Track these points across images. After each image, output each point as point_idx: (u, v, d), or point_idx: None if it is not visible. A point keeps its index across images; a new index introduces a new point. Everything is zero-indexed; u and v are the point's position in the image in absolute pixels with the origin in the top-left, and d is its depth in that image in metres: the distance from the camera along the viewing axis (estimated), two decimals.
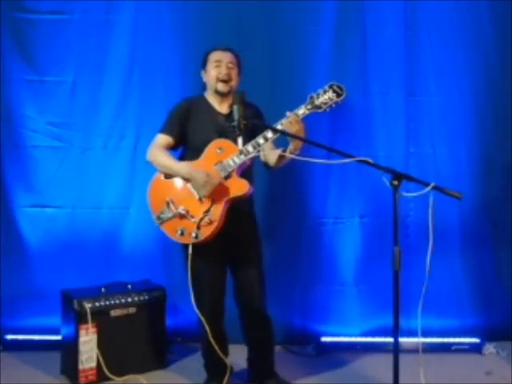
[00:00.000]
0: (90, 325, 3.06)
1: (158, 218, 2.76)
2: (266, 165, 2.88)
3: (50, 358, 3.29)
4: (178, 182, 2.76)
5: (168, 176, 2.79)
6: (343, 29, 3.49)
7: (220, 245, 2.77)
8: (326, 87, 2.65)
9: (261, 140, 2.67)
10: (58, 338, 3.31)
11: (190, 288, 2.74)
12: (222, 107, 2.86)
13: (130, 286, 3.31)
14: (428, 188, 2.18)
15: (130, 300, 3.22)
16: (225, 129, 2.73)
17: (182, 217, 2.71)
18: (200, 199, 2.70)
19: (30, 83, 3.50)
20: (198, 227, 2.68)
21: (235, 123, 2.52)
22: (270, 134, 2.66)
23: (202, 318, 2.79)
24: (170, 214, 2.73)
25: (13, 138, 3.53)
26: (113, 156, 3.57)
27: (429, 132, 3.61)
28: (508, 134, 3.59)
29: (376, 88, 3.55)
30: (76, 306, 3.06)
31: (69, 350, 3.14)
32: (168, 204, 2.74)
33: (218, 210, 2.68)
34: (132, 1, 3.49)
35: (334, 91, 2.64)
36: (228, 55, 2.85)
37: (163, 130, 2.82)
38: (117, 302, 3.18)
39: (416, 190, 2.32)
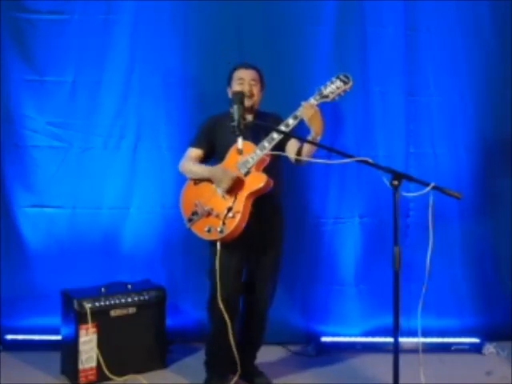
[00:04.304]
0: (89, 325, 3.06)
1: (189, 220, 2.91)
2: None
3: (50, 358, 3.29)
4: (205, 185, 2.91)
5: (197, 182, 2.95)
6: (343, 29, 3.49)
7: (244, 242, 2.85)
8: (333, 78, 2.76)
9: (275, 134, 2.75)
10: (58, 338, 3.31)
11: (211, 284, 2.84)
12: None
13: (130, 286, 3.31)
14: (428, 188, 2.18)
15: (129, 300, 3.22)
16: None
17: (208, 215, 2.85)
18: (223, 196, 2.83)
19: (29, 83, 3.49)
20: (223, 223, 2.80)
21: (235, 123, 2.54)
22: (283, 128, 2.75)
23: (223, 310, 2.80)
24: (198, 215, 2.87)
25: (13, 138, 3.52)
26: (113, 156, 3.56)
27: (429, 132, 3.61)
28: (508, 134, 3.59)
29: (376, 88, 3.55)
30: (76, 306, 3.06)
31: (69, 349, 3.14)
32: (196, 205, 2.89)
33: (240, 205, 2.79)
34: (132, 1, 3.48)
35: (341, 80, 2.74)
36: (250, 73, 2.96)
37: (193, 144, 3.02)
38: (117, 301, 3.18)
39: (416, 189, 2.32)
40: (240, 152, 2.70)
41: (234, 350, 2.90)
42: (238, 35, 3.44)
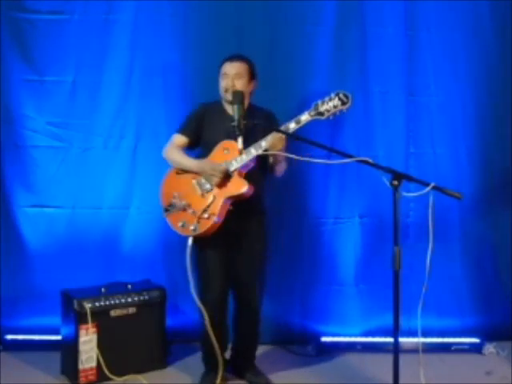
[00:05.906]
0: (89, 325, 3.06)
1: (166, 209, 2.92)
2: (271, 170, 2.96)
3: (50, 358, 3.29)
4: (186, 179, 2.90)
5: (180, 172, 2.93)
6: (343, 29, 3.49)
7: (224, 239, 2.86)
8: (333, 95, 2.65)
9: (263, 142, 2.72)
10: (58, 338, 3.31)
11: (190, 278, 2.80)
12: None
13: (130, 286, 3.31)
14: (428, 188, 2.19)
15: (129, 300, 3.22)
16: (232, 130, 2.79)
17: (184, 210, 2.85)
18: (202, 195, 2.82)
19: (29, 83, 3.49)
20: (198, 221, 2.79)
21: (235, 123, 2.54)
22: (270, 138, 2.71)
23: (202, 307, 2.84)
24: (175, 207, 2.87)
25: (13, 138, 3.51)
26: (113, 156, 3.56)
27: (429, 132, 3.61)
28: (508, 134, 3.59)
29: (376, 88, 3.55)
30: (76, 306, 3.06)
31: (69, 349, 3.14)
32: (174, 197, 2.88)
33: (216, 207, 2.78)
34: (132, 1, 3.48)
35: (340, 99, 2.63)
36: (235, 66, 2.89)
37: (179, 131, 3.01)
38: (117, 301, 3.18)
39: (416, 189, 2.33)
40: (240, 152, 2.73)
41: (215, 345, 2.89)
42: (238, 35, 3.44)
